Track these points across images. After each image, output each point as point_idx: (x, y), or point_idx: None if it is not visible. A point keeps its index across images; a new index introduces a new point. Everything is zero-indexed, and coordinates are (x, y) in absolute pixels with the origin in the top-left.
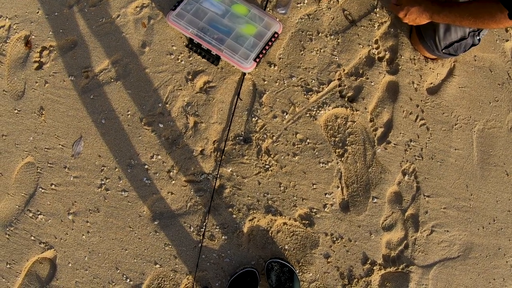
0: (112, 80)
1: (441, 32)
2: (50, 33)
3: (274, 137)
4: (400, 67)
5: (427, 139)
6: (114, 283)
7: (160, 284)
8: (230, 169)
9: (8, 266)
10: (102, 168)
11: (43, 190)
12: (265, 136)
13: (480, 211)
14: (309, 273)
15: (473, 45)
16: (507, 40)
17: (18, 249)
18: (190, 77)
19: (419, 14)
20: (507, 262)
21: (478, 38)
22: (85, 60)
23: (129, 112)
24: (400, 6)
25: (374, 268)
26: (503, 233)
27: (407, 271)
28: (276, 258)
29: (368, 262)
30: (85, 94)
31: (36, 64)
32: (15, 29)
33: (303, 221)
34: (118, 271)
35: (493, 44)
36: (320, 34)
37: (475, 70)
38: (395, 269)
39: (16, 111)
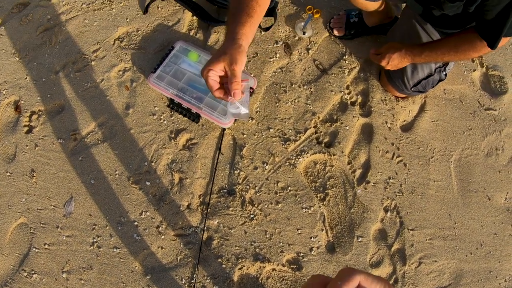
0: (99, 141)
1: (409, 72)
2: (39, 98)
3: (256, 188)
4: (372, 109)
5: (405, 174)
6: None
7: None
8: (217, 221)
9: None
10: (94, 226)
11: (36, 250)
12: (248, 187)
13: (466, 238)
14: None
15: (440, 80)
16: (474, 70)
17: None
18: (173, 135)
19: (401, 59)
20: (499, 284)
21: (444, 73)
22: (72, 123)
23: (116, 172)
24: (381, 55)
25: None
26: (492, 256)
27: None
28: None
29: None
30: (74, 156)
31: (26, 128)
32: (4, 94)
33: (292, 266)
34: None
35: (461, 76)
36: (293, 85)
37: (445, 103)
38: None
39: (8, 174)
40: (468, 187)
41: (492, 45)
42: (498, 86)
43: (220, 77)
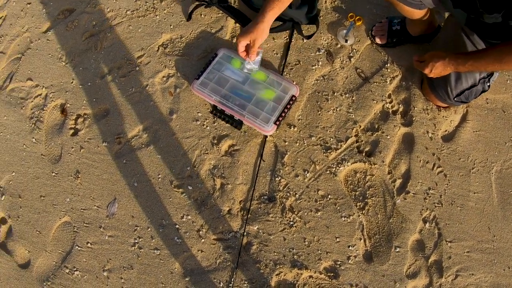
0: (143, 145)
1: (452, 81)
2: (84, 101)
3: (297, 195)
4: (414, 118)
5: (446, 185)
6: None
7: None
8: (257, 226)
9: None
10: (135, 228)
11: (79, 248)
12: (288, 194)
13: (504, 252)
14: None
15: (483, 91)
16: None
17: None
18: (215, 141)
19: (444, 67)
20: None
21: (488, 84)
22: (117, 127)
23: (159, 176)
24: (424, 62)
25: None
26: None
27: None
28: None
29: None
30: (118, 159)
31: (71, 131)
32: (51, 97)
33: (328, 274)
34: None
35: (504, 85)
36: (335, 94)
37: (488, 113)
38: None
39: (53, 174)
40: (508, 199)
41: None
42: None
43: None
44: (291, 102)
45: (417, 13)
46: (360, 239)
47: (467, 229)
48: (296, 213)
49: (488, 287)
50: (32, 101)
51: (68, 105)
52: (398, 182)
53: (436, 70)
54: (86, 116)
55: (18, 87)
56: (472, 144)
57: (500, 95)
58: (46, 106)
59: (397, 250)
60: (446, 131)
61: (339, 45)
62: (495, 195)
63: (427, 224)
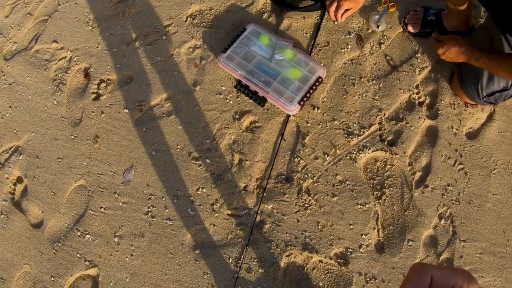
0: (164, 115)
1: (484, 81)
2: (108, 67)
3: (314, 178)
4: (440, 112)
5: (465, 183)
6: None
7: None
8: (271, 206)
9: (52, 279)
10: (150, 196)
11: (92, 212)
12: (306, 176)
13: None
14: None
15: None
16: None
17: (63, 264)
18: (237, 116)
19: (458, 54)
20: None
21: None
22: (140, 95)
23: (178, 146)
24: (441, 42)
25: None
26: None
27: None
28: None
29: None
30: (138, 126)
31: (93, 95)
32: (75, 61)
33: (338, 260)
34: None
35: None
36: (362, 79)
37: None
38: None
39: (72, 137)
40: None
41: None
42: None
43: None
44: (317, 84)
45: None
46: (374, 228)
47: (481, 230)
48: (312, 196)
49: None
50: (56, 64)
51: (92, 69)
52: (418, 175)
53: (450, 54)
54: (109, 81)
55: (43, 48)
56: (496, 145)
57: None
58: (70, 69)
59: (409, 244)
60: (471, 128)
61: (370, 30)
62: None
63: (443, 221)
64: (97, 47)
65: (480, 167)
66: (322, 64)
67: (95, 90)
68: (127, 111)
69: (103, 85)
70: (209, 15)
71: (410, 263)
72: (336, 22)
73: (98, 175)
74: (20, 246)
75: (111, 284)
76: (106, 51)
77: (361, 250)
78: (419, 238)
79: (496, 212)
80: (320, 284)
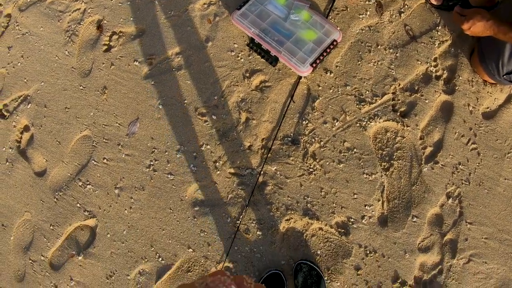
0: (173, 69)
1: (506, 57)
2: (121, 20)
3: (322, 142)
4: (457, 88)
5: (477, 164)
6: (146, 260)
7: (189, 268)
8: (275, 167)
9: (51, 227)
10: (153, 150)
11: (95, 163)
12: (313, 140)
13: None
14: (337, 282)
15: None
16: None
17: (63, 213)
18: (247, 74)
19: (484, 29)
20: None
21: None
22: (150, 48)
23: (185, 101)
24: (465, 17)
25: None
26: None
27: None
28: (306, 260)
29: (398, 281)
30: (147, 80)
31: (105, 47)
32: (89, 12)
33: (339, 229)
34: (153, 249)
35: None
36: (379, 47)
37: None
38: None
39: (81, 87)
40: None
41: None
42: None
43: None
44: (331, 47)
45: None
46: (379, 200)
47: (490, 214)
48: (317, 160)
49: (498, 280)
50: (70, 15)
51: (105, 21)
52: (429, 150)
53: (475, 28)
54: (121, 34)
55: (58, 0)
56: None
57: None
58: (83, 21)
59: (414, 220)
60: (488, 108)
61: None
62: None
63: (450, 200)
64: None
65: (494, 149)
66: (338, 28)
67: (107, 42)
68: (137, 63)
69: (115, 37)
70: None
71: (412, 240)
72: None
73: (103, 126)
74: (22, 194)
75: (108, 235)
76: (120, 4)
77: (363, 221)
78: (424, 215)
79: (507, 198)
80: (318, 252)
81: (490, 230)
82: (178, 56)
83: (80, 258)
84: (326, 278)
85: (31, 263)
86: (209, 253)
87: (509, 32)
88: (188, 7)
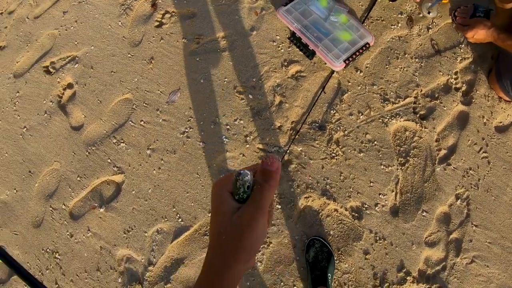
0: (218, 50)
1: None
2: (176, 1)
3: (346, 131)
4: (473, 100)
5: (486, 172)
6: (166, 219)
7: (207, 232)
8: (301, 148)
9: (78, 178)
10: (189, 118)
11: (132, 124)
12: (338, 128)
13: None
14: (345, 264)
15: None
16: None
17: (92, 167)
18: (285, 63)
19: (486, 36)
20: None
21: None
22: (199, 29)
23: (226, 79)
24: (468, 26)
25: (408, 278)
26: None
27: None
28: (319, 237)
29: (403, 271)
30: (192, 56)
31: (156, 23)
32: None
33: (353, 213)
34: (174, 209)
35: None
36: (406, 55)
37: None
38: (427, 287)
39: (129, 55)
40: None
41: None
42: None
43: None
44: (364, 48)
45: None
46: (392, 191)
47: (495, 220)
48: (340, 147)
49: (498, 285)
50: None
51: (160, 1)
52: (443, 152)
53: (478, 36)
54: (173, 13)
55: None
56: None
57: None
58: None
59: (423, 214)
60: (501, 122)
61: (421, 15)
62: None
63: (459, 201)
64: None
65: (504, 160)
66: (371, 34)
67: (159, 19)
68: (185, 41)
69: (167, 15)
70: None
71: (420, 233)
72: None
73: (145, 91)
74: (55, 145)
75: (133, 192)
76: None
77: (376, 208)
78: (434, 211)
79: None
80: (331, 233)
81: (494, 236)
82: (224, 39)
83: (101, 210)
84: (336, 258)
85: (51, 210)
86: None
87: (507, 40)
88: None
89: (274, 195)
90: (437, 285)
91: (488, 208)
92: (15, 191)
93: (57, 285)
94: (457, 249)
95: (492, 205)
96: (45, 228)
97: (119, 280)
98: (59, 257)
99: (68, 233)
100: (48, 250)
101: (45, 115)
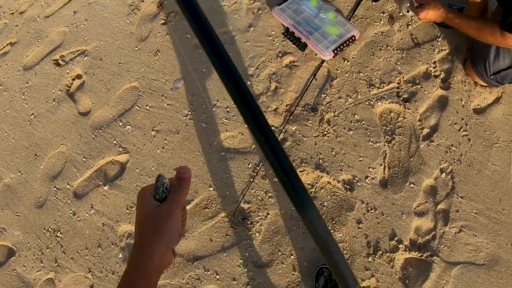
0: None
1: (491, 59)
2: None
3: (336, 112)
4: (452, 86)
5: (468, 148)
6: None
7: (207, 205)
8: (295, 127)
9: (84, 159)
10: (193, 103)
11: (138, 108)
12: (329, 109)
13: (511, 228)
14: (339, 233)
15: None
16: None
17: (98, 148)
18: (280, 55)
19: (437, 16)
20: None
21: None
22: None
23: None
24: (421, 7)
25: (400, 246)
26: None
27: (431, 260)
28: (327, 265)
29: (395, 239)
30: (196, 49)
31: (162, 21)
32: None
33: (345, 185)
34: None
35: None
36: (388, 47)
37: None
38: (419, 255)
39: (136, 49)
40: None
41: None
42: None
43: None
44: (350, 40)
45: None
46: (381, 165)
47: (479, 192)
48: (331, 126)
49: (487, 254)
50: None
51: (165, 2)
52: (426, 130)
53: (429, 16)
54: (178, 12)
55: None
56: (500, 124)
57: None
58: (145, 0)
59: (411, 186)
60: (478, 105)
61: (401, 14)
62: None
63: (443, 175)
64: None
65: (483, 138)
66: (356, 28)
67: (164, 18)
68: (188, 36)
69: (172, 14)
70: None
71: (409, 203)
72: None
73: (151, 80)
74: (62, 129)
75: (137, 170)
76: None
77: (366, 180)
78: (420, 184)
79: (495, 181)
80: (325, 204)
81: (480, 207)
82: (224, 35)
83: (105, 188)
84: (330, 228)
85: (55, 190)
86: (227, 193)
87: (455, 18)
88: (237, 0)
89: (271, 170)
90: (428, 253)
91: (471, 181)
92: (19, 173)
93: (56, 264)
94: (445, 219)
95: (475, 179)
96: (48, 208)
97: (120, 255)
98: (60, 235)
99: (71, 211)
100: (49, 229)
101: (54, 102)
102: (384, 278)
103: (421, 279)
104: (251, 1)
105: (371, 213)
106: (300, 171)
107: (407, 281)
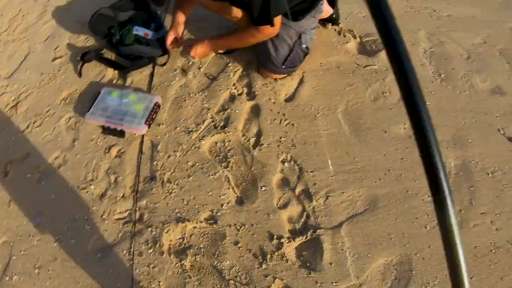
0: (55, 168)
1: (272, 52)
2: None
3: (171, 170)
4: (256, 93)
5: (295, 132)
6: None
7: None
8: (145, 201)
9: None
10: (56, 228)
11: (15, 258)
12: (165, 171)
13: (370, 168)
14: (226, 261)
15: (305, 54)
16: (347, 42)
17: None
18: (107, 150)
19: (205, 49)
20: (423, 200)
21: (304, 46)
22: (37, 160)
23: (69, 185)
24: (189, 48)
25: (282, 241)
26: (404, 178)
27: (316, 235)
28: None
29: (274, 238)
30: (39, 183)
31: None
32: None
33: (209, 221)
34: None
35: (335, 49)
36: (191, 95)
37: (323, 73)
38: (305, 238)
39: None
40: (360, 127)
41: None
42: (374, 47)
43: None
44: (155, 107)
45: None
46: (229, 188)
47: (325, 159)
48: (173, 183)
49: (364, 200)
50: None
51: None
52: (252, 140)
53: (199, 51)
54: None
55: None
56: (313, 97)
57: (332, 57)
58: None
59: (263, 189)
60: (286, 94)
61: (190, 63)
62: (346, 128)
63: (286, 164)
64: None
65: (305, 116)
66: (157, 95)
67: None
68: (29, 175)
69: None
70: (75, 94)
71: (270, 204)
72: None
73: (16, 227)
74: None
75: None
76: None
77: (224, 207)
78: (271, 183)
79: (333, 141)
80: (201, 245)
81: (333, 168)
82: (56, 160)
83: None
84: (218, 262)
85: None
86: (119, 284)
87: (219, 42)
88: (55, 126)
89: (143, 245)
90: (311, 231)
91: (313, 154)
92: None
93: None
94: (308, 197)
95: (315, 151)
96: None
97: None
98: None
99: None
100: None
101: None
102: (286, 274)
103: (318, 254)
104: (67, 121)
105: (243, 230)
106: (166, 232)
107: (308, 264)
